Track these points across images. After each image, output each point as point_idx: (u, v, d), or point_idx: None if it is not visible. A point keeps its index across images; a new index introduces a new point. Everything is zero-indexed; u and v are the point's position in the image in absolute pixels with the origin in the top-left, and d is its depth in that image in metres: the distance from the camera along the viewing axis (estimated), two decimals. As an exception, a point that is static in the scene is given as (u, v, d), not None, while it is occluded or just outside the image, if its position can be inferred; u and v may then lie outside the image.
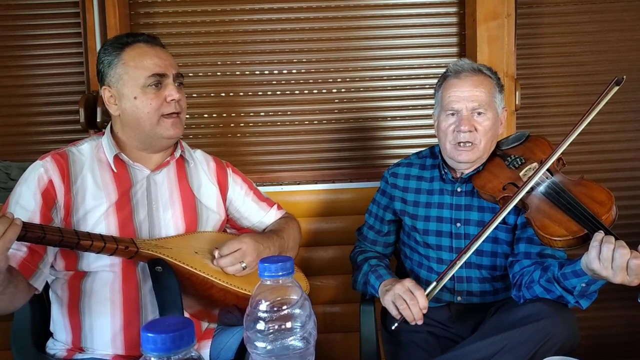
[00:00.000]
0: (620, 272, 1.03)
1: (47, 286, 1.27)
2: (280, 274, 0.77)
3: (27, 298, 1.14)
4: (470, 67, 1.40)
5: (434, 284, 1.29)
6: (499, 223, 1.38)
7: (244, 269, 1.24)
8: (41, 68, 2.12)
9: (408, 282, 1.29)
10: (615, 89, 1.23)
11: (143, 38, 1.27)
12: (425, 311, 1.25)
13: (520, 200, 1.27)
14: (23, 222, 1.01)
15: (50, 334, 1.26)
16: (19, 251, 1.11)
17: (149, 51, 1.25)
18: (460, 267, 1.41)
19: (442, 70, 2.12)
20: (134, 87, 1.23)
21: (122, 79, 1.24)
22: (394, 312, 1.29)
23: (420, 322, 1.26)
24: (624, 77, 1.23)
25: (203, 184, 1.40)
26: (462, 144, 1.37)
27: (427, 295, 1.27)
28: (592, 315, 2.21)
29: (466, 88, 1.37)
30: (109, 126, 1.32)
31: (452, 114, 1.40)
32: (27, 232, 0.99)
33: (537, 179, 1.27)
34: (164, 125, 1.26)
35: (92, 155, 1.26)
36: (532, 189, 1.28)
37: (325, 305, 2.12)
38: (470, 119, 1.37)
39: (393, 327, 1.30)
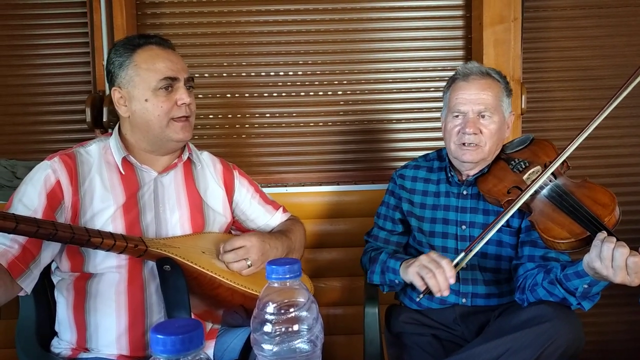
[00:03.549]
0: (620, 272, 1.03)
1: (52, 286, 1.27)
2: (288, 276, 0.77)
3: (7, 298, 1.06)
4: (478, 70, 1.41)
5: (462, 254, 1.25)
6: (504, 226, 1.39)
7: (249, 266, 1.24)
8: (48, 67, 2.13)
9: (433, 253, 1.26)
10: None
11: (155, 40, 1.27)
12: (452, 281, 1.21)
13: (525, 203, 1.27)
14: (35, 219, 1.01)
15: (55, 333, 1.26)
16: (11, 249, 1.07)
17: (161, 54, 1.25)
18: (465, 269, 1.42)
19: (449, 73, 2.14)
20: (145, 89, 1.22)
21: (133, 81, 1.23)
22: (419, 283, 1.26)
23: (446, 293, 1.21)
24: None
25: (210, 187, 1.39)
26: (466, 144, 1.38)
27: (455, 266, 1.23)
28: (595, 320, 2.21)
29: (473, 91, 1.38)
30: (116, 127, 1.31)
31: (458, 116, 1.40)
32: (39, 229, 0.99)
33: (541, 182, 1.27)
34: (174, 129, 1.25)
35: (100, 156, 1.26)
36: (536, 192, 1.28)
37: (328, 307, 2.12)
38: (476, 122, 1.37)
39: (418, 299, 1.29)
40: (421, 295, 1.27)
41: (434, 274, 1.21)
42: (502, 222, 1.27)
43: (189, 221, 1.31)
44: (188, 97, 1.26)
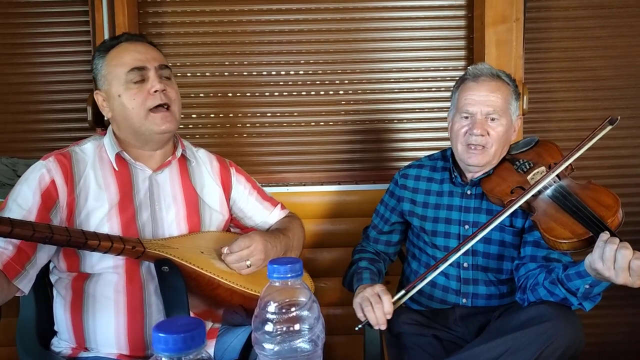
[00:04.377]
0: (623, 273, 1.03)
1: (52, 284, 1.27)
2: (290, 275, 0.77)
3: (5, 299, 1.07)
4: (489, 72, 1.40)
5: (403, 292, 1.30)
6: (507, 226, 1.39)
7: (248, 267, 1.24)
8: (50, 66, 2.13)
9: (378, 287, 1.30)
10: (608, 128, 1.26)
11: (124, 37, 1.28)
12: (389, 317, 1.27)
13: (527, 203, 1.27)
14: (31, 222, 1.01)
15: (56, 332, 1.26)
16: (5, 250, 1.07)
17: (128, 47, 1.26)
18: (467, 269, 1.43)
19: (450, 73, 2.15)
20: (117, 85, 1.23)
21: (107, 80, 1.25)
22: (359, 314, 1.31)
23: (383, 327, 1.27)
24: (619, 117, 1.26)
25: (206, 184, 1.39)
26: (473, 146, 1.37)
27: (395, 302, 1.28)
28: (596, 321, 2.20)
29: (483, 92, 1.37)
30: (110, 126, 1.32)
31: (466, 117, 1.40)
32: (35, 232, 0.98)
33: (545, 183, 1.27)
34: (153, 121, 1.24)
35: (94, 154, 1.26)
36: (539, 192, 1.28)
37: (329, 307, 2.12)
38: (484, 124, 1.37)
39: (356, 328, 1.32)
40: (360, 326, 1.31)
41: (373, 309, 1.27)
42: (485, 233, 1.28)
43: (186, 219, 1.31)
44: (159, 83, 1.24)
